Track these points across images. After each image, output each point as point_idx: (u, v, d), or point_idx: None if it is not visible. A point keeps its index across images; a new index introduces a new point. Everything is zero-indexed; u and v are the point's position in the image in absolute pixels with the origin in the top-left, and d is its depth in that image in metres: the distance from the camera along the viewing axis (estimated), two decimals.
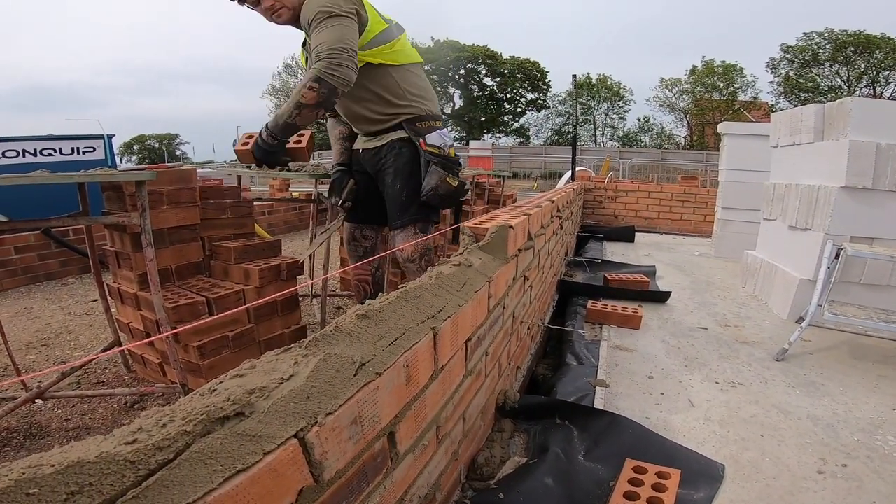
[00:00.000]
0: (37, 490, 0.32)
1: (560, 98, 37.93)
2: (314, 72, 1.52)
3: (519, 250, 1.33)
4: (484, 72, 36.36)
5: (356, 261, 2.04)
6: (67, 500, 0.33)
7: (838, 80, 30.27)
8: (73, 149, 5.48)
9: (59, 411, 2.16)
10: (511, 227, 1.19)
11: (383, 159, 1.84)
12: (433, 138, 1.83)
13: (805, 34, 30.22)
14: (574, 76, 6.40)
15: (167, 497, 0.37)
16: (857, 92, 28.64)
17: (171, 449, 0.39)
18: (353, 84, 1.57)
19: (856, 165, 2.17)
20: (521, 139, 38.44)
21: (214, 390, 0.45)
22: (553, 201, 2.13)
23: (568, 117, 36.45)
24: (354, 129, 1.96)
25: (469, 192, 2.23)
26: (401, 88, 1.79)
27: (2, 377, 2.47)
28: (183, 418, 0.40)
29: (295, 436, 0.47)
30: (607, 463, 1.14)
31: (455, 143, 1.97)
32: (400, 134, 1.82)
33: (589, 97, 37.24)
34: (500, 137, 37.95)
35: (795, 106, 3.05)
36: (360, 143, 1.95)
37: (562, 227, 2.71)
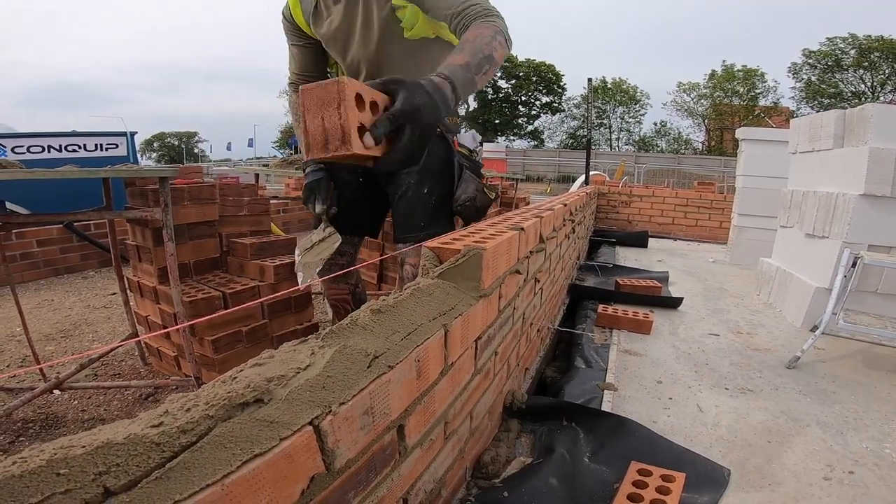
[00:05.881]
0: (67, 470, 0.33)
1: (575, 101, 37.87)
2: (497, 24, 1.14)
3: (531, 251, 1.34)
4: (499, 74, 36.39)
5: (331, 279, 1.65)
6: (95, 481, 0.34)
7: (862, 85, 29.70)
8: (96, 145, 5.63)
9: (76, 402, 2.21)
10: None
11: None
12: (466, 139, 1.56)
13: (829, 39, 29.79)
14: (589, 79, 6.38)
15: (188, 478, 0.38)
16: (882, 98, 28.06)
17: (194, 432, 0.40)
18: None
19: (875, 173, 2.14)
20: (535, 142, 38.36)
21: (235, 378, 0.47)
22: (566, 205, 2.14)
23: (583, 121, 36.22)
24: None
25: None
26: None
27: (21, 368, 2.54)
28: (206, 403, 0.42)
29: (310, 423, 0.48)
30: (612, 465, 1.15)
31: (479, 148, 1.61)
32: None
33: (604, 101, 37.02)
34: (513, 140, 37.93)
35: (817, 112, 3.01)
36: None
37: (574, 231, 2.71)
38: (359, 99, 0.76)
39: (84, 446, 0.35)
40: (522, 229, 1.17)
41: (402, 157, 0.83)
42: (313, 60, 1.52)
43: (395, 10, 1.30)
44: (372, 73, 1.42)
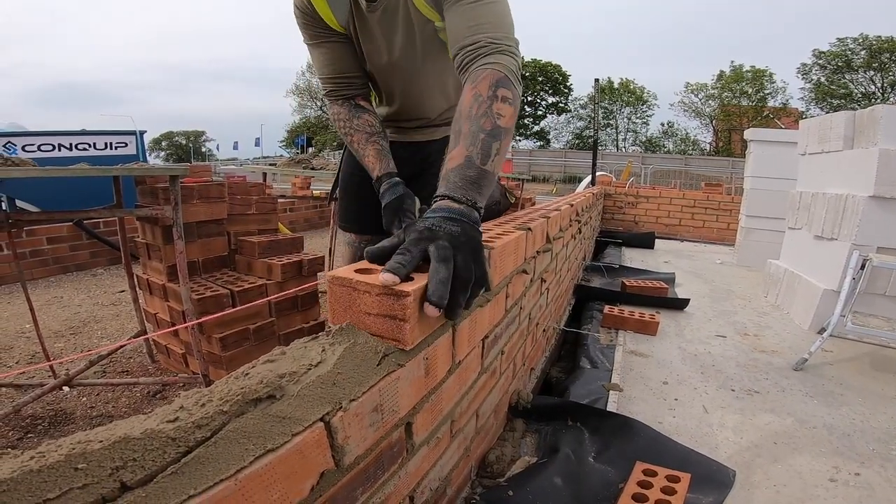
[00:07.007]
0: (85, 465, 0.33)
1: (581, 102, 37.72)
2: (500, 68, 0.97)
3: (537, 251, 1.35)
4: None
5: None
6: (112, 475, 0.34)
7: (872, 86, 29.46)
8: (106, 144, 5.69)
9: (84, 399, 2.24)
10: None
11: (433, 155, 1.42)
12: None
13: (839, 39, 29.55)
14: (596, 80, 6.36)
15: (202, 473, 0.39)
16: (892, 99, 27.81)
17: (208, 427, 0.40)
18: None
19: (885, 174, 2.13)
20: (541, 143, 38.28)
21: (248, 374, 0.48)
22: (572, 205, 2.14)
23: (589, 121, 36.12)
24: (401, 115, 1.45)
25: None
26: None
27: (30, 365, 2.57)
28: (220, 399, 0.43)
29: (321, 419, 0.49)
30: (617, 465, 1.15)
31: None
32: None
33: (611, 101, 36.90)
34: (519, 141, 37.85)
35: (827, 113, 3.00)
36: (391, 135, 1.49)
37: (580, 232, 2.71)
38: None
39: (101, 441, 0.35)
40: (529, 229, 1.18)
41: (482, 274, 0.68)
42: (347, 56, 1.28)
43: (438, 31, 1.20)
44: (403, 85, 1.35)
